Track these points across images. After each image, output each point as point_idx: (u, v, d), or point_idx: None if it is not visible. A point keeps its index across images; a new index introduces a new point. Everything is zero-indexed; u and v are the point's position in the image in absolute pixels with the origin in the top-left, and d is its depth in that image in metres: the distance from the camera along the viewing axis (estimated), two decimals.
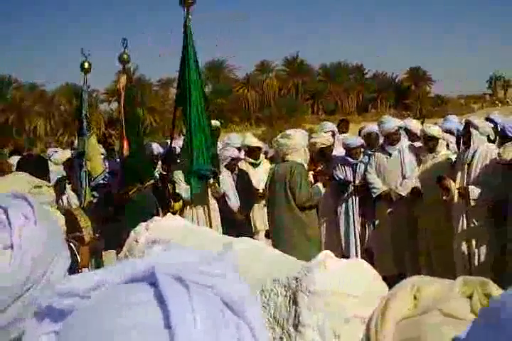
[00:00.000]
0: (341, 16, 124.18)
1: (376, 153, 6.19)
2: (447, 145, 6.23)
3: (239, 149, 6.61)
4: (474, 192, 5.08)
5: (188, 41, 5.01)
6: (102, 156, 6.36)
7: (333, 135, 6.93)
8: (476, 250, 5.16)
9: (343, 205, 6.42)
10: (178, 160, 6.05)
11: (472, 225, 5.17)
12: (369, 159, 6.22)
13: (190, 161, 4.98)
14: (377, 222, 6.17)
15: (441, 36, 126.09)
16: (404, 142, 6.14)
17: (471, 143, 5.21)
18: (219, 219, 5.79)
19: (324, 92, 60.76)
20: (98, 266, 3.12)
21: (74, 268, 1.10)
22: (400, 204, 5.90)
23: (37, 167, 3.94)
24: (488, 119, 6.20)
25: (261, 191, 6.27)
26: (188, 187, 5.71)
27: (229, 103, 56.51)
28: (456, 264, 5.31)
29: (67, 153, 7.31)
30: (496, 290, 0.79)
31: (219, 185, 5.62)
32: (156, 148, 6.65)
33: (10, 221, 0.96)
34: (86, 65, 5.42)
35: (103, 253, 4.18)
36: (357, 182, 6.33)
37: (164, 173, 6.27)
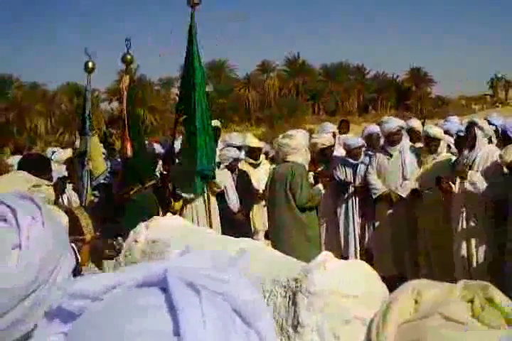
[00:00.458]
0: (342, 16, 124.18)
1: (377, 154, 6.20)
2: (449, 146, 6.23)
3: (239, 148, 6.61)
4: (473, 176, 5.04)
5: (193, 41, 5.03)
6: (103, 156, 6.37)
7: (334, 136, 6.96)
8: (475, 250, 5.16)
9: (343, 206, 6.43)
10: (177, 160, 6.07)
11: (471, 225, 5.17)
12: (370, 160, 6.23)
13: (194, 161, 4.99)
14: (377, 223, 6.18)
15: (442, 37, 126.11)
16: (406, 143, 6.15)
17: (476, 144, 5.17)
18: (218, 218, 5.80)
19: (325, 92, 60.75)
20: (98, 265, 3.12)
21: (75, 268, 1.09)
22: (400, 205, 5.91)
23: (38, 166, 3.93)
24: (491, 121, 6.20)
25: (261, 192, 6.28)
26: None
27: (229, 102, 56.51)
28: (455, 264, 5.31)
29: (68, 152, 7.32)
30: (497, 295, 0.79)
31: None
32: (158, 147, 6.66)
33: (18, 221, 0.95)
34: (90, 65, 5.42)
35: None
36: (357, 183, 6.34)
37: (165, 173, 6.28)
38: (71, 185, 6.15)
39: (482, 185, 5.00)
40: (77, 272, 1.11)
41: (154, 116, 52.62)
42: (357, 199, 6.36)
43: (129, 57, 5.22)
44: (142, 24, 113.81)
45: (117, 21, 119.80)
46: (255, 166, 6.75)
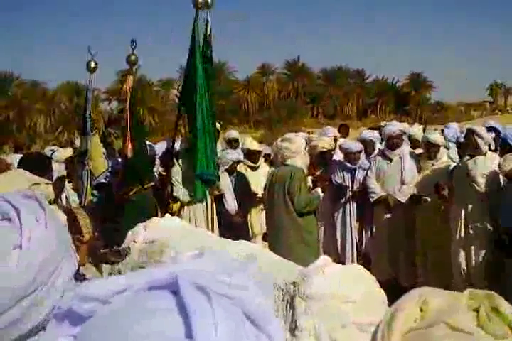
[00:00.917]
0: (342, 20, 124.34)
1: (377, 158, 6.21)
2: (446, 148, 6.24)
3: (236, 141, 6.67)
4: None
5: (196, 43, 5.04)
6: (103, 155, 6.37)
7: (336, 140, 6.97)
8: (473, 253, 5.15)
9: (340, 210, 6.43)
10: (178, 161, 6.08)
11: (470, 226, 5.17)
12: (370, 164, 6.25)
13: (194, 165, 5.00)
14: (374, 227, 6.18)
15: (442, 42, 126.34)
16: (406, 148, 6.16)
17: (479, 151, 5.18)
18: (217, 221, 5.80)
19: (324, 96, 60.76)
20: (96, 265, 3.12)
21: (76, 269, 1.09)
22: (398, 210, 5.92)
23: (38, 165, 3.93)
24: (491, 128, 6.20)
25: (259, 195, 6.27)
26: (185, 189, 5.74)
27: (229, 105, 56.49)
28: (452, 268, 5.31)
29: (68, 152, 7.31)
30: (502, 304, 0.79)
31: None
32: (159, 147, 6.69)
33: (21, 221, 0.95)
34: (92, 64, 5.43)
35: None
36: (355, 187, 6.35)
37: (163, 174, 6.29)
38: (70, 184, 6.15)
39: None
40: (77, 273, 1.11)
41: (153, 116, 52.57)
42: (354, 204, 6.37)
43: (133, 57, 5.23)
44: (142, 24, 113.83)
45: (117, 21, 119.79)
46: (254, 169, 6.75)
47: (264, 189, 5.56)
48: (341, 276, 2.00)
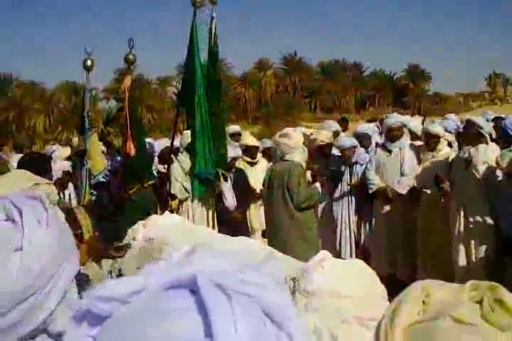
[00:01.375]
0: (339, 13, 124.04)
1: (377, 150, 6.21)
2: (449, 144, 6.23)
3: (239, 134, 6.67)
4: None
5: (195, 42, 5.03)
6: (104, 154, 6.39)
7: (337, 135, 6.99)
8: (474, 248, 5.16)
9: (339, 204, 6.42)
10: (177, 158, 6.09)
11: (469, 219, 5.16)
12: (370, 156, 6.26)
13: (192, 164, 4.99)
14: (374, 221, 6.18)
15: (439, 33, 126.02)
16: (406, 140, 6.16)
17: (480, 141, 5.17)
18: (215, 217, 5.80)
19: (322, 90, 60.70)
20: (96, 262, 3.12)
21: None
22: (397, 202, 5.91)
23: (38, 165, 3.93)
24: (497, 118, 6.18)
25: (258, 191, 6.27)
26: (184, 185, 5.75)
27: (227, 101, 56.40)
28: (454, 267, 5.30)
29: (68, 150, 7.32)
30: (506, 295, 0.78)
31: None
32: (157, 146, 6.71)
33: (23, 223, 0.95)
34: (89, 63, 5.43)
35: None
36: (353, 181, 6.34)
37: (162, 172, 6.29)
38: (71, 183, 6.17)
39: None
40: (79, 275, 1.10)
41: (152, 114, 52.54)
42: (353, 198, 6.37)
43: (131, 57, 5.23)
44: (140, 23, 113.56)
45: (115, 20, 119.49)
46: (252, 164, 6.75)
47: (263, 185, 5.56)
48: (341, 271, 2.00)
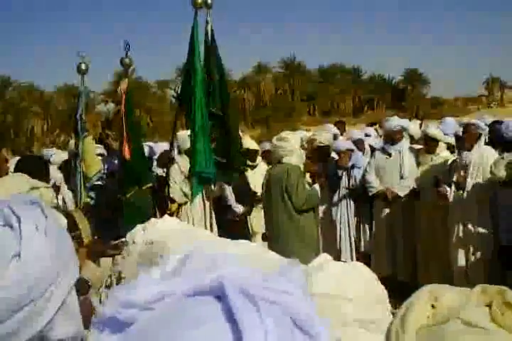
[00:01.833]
0: (338, 18, 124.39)
1: (376, 153, 6.22)
2: (449, 147, 6.25)
3: None
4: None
5: (195, 43, 5.04)
6: (100, 157, 6.38)
7: (336, 138, 7.03)
8: (473, 252, 5.16)
9: (338, 207, 6.43)
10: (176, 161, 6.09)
11: (468, 225, 5.17)
12: (370, 159, 6.27)
13: (192, 164, 5.00)
14: (374, 223, 6.19)
15: (437, 37, 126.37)
16: (405, 143, 6.17)
17: (475, 145, 5.18)
18: (214, 221, 5.80)
19: (320, 94, 60.82)
20: (94, 261, 3.11)
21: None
22: (397, 205, 5.92)
23: (36, 168, 3.92)
24: (496, 122, 6.20)
25: (259, 194, 6.27)
26: (183, 189, 5.74)
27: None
28: (453, 265, 5.31)
29: (66, 154, 7.31)
30: None
31: (215, 186, 5.65)
32: (157, 149, 6.72)
33: (21, 229, 0.93)
34: (83, 67, 5.44)
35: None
36: (351, 185, 6.35)
37: (160, 175, 6.29)
38: (67, 186, 6.15)
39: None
40: (79, 280, 1.09)
41: (151, 117, 52.58)
42: (351, 201, 6.37)
43: (127, 60, 5.24)
44: (139, 25, 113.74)
45: (114, 23, 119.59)
46: (252, 168, 6.76)
47: (262, 188, 5.56)
48: (342, 274, 1.99)
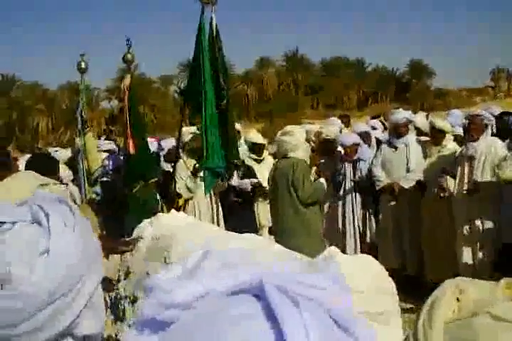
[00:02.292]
0: (340, 10, 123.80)
1: (382, 146, 6.20)
2: (456, 139, 6.23)
3: (238, 132, 6.70)
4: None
5: (202, 38, 5.03)
6: (107, 154, 6.42)
7: (341, 131, 7.05)
8: (479, 247, 5.14)
9: (344, 200, 6.42)
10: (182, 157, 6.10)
11: (473, 217, 5.15)
12: (376, 152, 6.26)
13: (205, 159, 4.99)
14: (380, 216, 6.18)
15: (442, 28, 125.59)
16: (412, 136, 6.15)
17: (481, 136, 5.15)
18: (222, 215, 5.82)
19: (324, 87, 60.63)
20: (104, 256, 3.14)
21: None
22: (404, 198, 5.90)
23: (46, 166, 3.94)
24: (504, 113, 6.16)
25: (266, 188, 6.27)
26: (188, 184, 5.76)
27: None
28: (458, 258, 5.30)
29: (70, 152, 7.35)
30: None
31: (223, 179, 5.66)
32: (165, 144, 6.74)
33: (50, 226, 0.95)
34: (83, 65, 5.44)
35: None
36: (357, 177, 6.34)
37: (167, 170, 6.31)
38: (72, 182, 6.19)
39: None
40: (104, 279, 1.10)
41: (154, 113, 52.62)
42: (357, 194, 6.36)
43: (129, 56, 5.25)
44: (142, 21, 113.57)
45: (117, 19, 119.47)
46: (259, 162, 6.77)
47: (268, 182, 5.57)
48: (350, 266, 2.00)
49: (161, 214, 3.43)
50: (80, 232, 0.98)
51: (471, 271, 5.06)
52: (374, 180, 6.04)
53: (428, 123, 6.20)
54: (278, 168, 5.32)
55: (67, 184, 6.01)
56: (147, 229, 3.10)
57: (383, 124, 8.16)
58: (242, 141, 7.02)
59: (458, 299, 0.82)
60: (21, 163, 5.05)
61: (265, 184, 6.21)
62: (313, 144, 7.10)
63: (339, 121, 7.90)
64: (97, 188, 5.72)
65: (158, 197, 5.30)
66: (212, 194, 5.78)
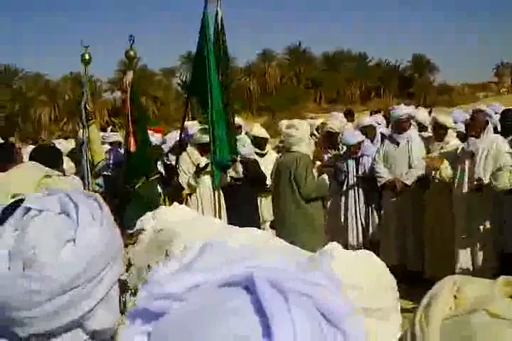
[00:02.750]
0: (343, 3, 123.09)
1: (384, 142, 6.19)
2: (458, 136, 6.21)
3: (239, 127, 6.68)
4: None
5: (206, 31, 5.02)
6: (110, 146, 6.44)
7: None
8: (478, 248, 5.13)
9: (347, 196, 6.42)
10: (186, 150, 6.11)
11: (474, 211, 5.14)
12: (378, 148, 6.25)
13: (212, 153, 4.99)
14: (383, 212, 6.19)
15: (445, 23, 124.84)
16: (414, 132, 6.14)
17: (483, 132, 5.15)
18: (225, 208, 5.83)
19: (326, 81, 60.43)
20: None
21: None
22: (406, 194, 5.90)
23: (50, 158, 3.95)
24: (508, 110, 6.15)
25: (269, 182, 6.27)
26: (190, 181, 5.77)
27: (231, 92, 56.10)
28: (455, 261, 5.29)
29: (72, 143, 7.36)
30: None
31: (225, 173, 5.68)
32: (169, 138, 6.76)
33: (78, 217, 0.97)
34: (86, 57, 5.44)
35: None
36: (360, 173, 6.34)
37: (168, 163, 6.32)
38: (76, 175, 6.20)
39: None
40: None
41: (156, 105, 52.54)
42: (360, 189, 6.36)
43: (132, 53, 5.25)
44: (144, 13, 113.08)
45: (119, 11, 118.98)
46: (262, 156, 6.77)
47: (271, 176, 5.58)
48: (350, 262, 2.00)
49: (163, 207, 3.45)
50: (107, 227, 1.00)
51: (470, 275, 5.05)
52: (376, 176, 6.03)
53: (430, 118, 6.20)
54: (281, 162, 5.33)
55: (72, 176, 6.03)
56: (149, 221, 3.11)
57: (386, 119, 8.13)
58: (243, 135, 7.01)
59: (455, 296, 0.82)
60: (24, 154, 5.06)
61: (268, 178, 6.22)
62: (315, 139, 7.12)
63: (342, 115, 7.89)
64: (100, 180, 5.74)
65: (160, 190, 5.31)
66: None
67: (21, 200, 1.06)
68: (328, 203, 6.41)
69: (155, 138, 6.63)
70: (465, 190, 5.19)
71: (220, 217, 5.34)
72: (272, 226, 6.14)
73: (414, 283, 4.75)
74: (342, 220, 6.41)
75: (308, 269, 0.63)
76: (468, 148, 5.23)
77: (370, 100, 58.48)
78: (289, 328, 0.55)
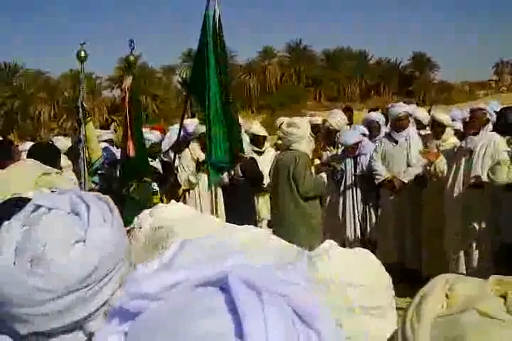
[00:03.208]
0: (344, 3, 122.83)
1: (382, 140, 6.18)
2: (456, 133, 6.20)
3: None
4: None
5: (207, 29, 4.99)
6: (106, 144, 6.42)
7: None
8: (474, 247, 5.11)
9: (345, 195, 6.41)
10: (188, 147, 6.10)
11: (471, 208, 5.11)
12: (375, 146, 6.23)
13: (208, 153, 4.96)
14: (380, 210, 6.18)
15: (445, 21, 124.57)
16: (412, 130, 6.12)
17: (481, 130, 5.14)
18: (223, 206, 5.82)
19: (326, 79, 60.41)
20: None
21: None
22: (404, 193, 5.89)
23: (48, 155, 3.95)
24: (506, 108, 6.13)
25: (266, 180, 6.26)
26: (189, 178, 5.76)
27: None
28: (448, 255, 5.28)
29: (68, 142, 7.34)
30: None
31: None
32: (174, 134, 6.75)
33: (89, 218, 0.97)
34: (82, 54, 5.42)
35: None
36: (358, 171, 6.33)
37: (165, 160, 6.31)
38: (74, 172, 6.19)
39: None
40: None
41: (156, 103, 52.52)
42: (358, 188, 6.35)
43: (132, 58, 5.25)
44: (144, 11, 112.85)
45: (119, 10, 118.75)
46: (260, 154, 6.77)
47: (269, 174, 5.57)
48: (347, 260, 1.99)
49: (160, 204, 3.45)
50: (117, 228, 1.01)
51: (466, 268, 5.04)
52: (374, 174, 6.02)
53: (429, 116, 6.19)
54: (280, 160, 5.31)
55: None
56: (147, 219, 3.10)
57: (386, 117, 8.11)
58: (242, 132, 7.00)
59: (447, 295, 0.82)
60: (22, 151, 5.05)
61: (266, 176, 6.22)
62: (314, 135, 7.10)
63: (341, 113, 7.85)
64: (96, 178, 5.74)
65: (156, 188, 5.30)
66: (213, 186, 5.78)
67: (20, 198, 1.05)
68: (327, 202, 6.41)
69: (154, 135, 6.60)
70: (460, 188, 5.16)
71: (218, 215, 5.34)
72: (269, 225, 6.14)
73: (412, 281, 4.75)
74: (340, 219, 6.40)
75: (286, 268, 0.64)
76: (466, 145, 5.21)
77: (369, 98, 58.47)
78: (261, 326, 0.55)
